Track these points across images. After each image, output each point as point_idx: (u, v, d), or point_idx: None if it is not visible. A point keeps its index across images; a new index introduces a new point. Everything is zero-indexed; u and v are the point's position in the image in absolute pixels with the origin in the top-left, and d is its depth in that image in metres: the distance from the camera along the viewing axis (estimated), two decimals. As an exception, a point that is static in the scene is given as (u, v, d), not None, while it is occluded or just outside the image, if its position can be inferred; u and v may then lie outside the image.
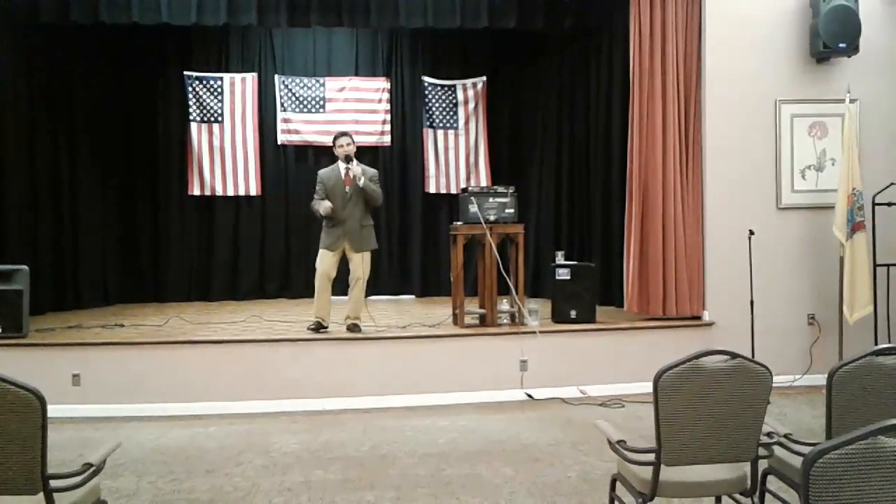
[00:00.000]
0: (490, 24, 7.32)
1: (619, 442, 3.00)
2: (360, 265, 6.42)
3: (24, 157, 7.78)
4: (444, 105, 9.92)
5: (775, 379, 2.88)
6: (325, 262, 6.42)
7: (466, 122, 9.96)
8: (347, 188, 6.41)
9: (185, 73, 9.47)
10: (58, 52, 8.19)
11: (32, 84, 7.90)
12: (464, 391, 6.19)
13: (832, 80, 6.67)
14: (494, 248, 6.45)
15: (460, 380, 6.21)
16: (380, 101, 9.85)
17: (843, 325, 6.35)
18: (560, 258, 6.95)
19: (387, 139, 9.88)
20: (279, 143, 9.76)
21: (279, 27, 9.16)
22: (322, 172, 6.64)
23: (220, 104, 9.55)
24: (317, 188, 6.53)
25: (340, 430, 5.45)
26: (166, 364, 6.02)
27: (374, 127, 9.80)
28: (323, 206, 6.32)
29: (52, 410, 2.71)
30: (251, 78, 9.62)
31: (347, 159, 6.43)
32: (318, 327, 6.39)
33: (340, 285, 6.65)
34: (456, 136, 9.96)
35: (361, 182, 6.32)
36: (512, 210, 6.57)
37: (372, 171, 6.60)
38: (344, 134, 6.59)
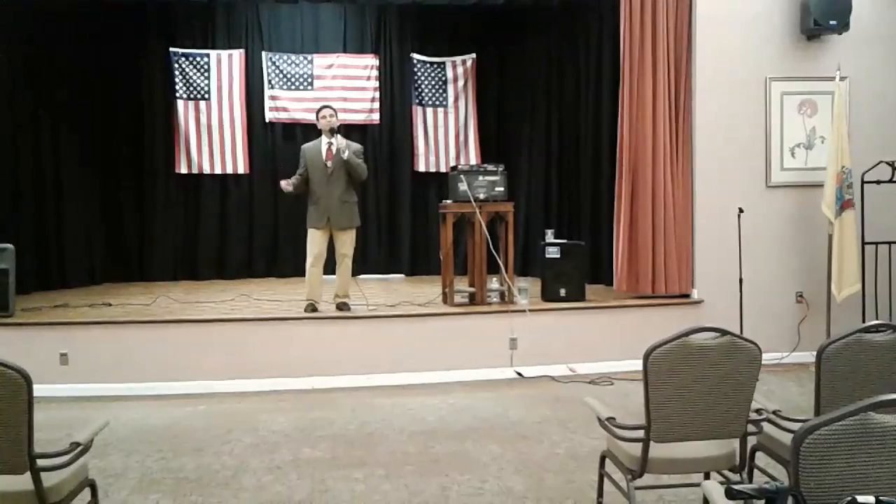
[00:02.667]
0: (478, 0, 7.25)
1: (608, 419, 3.01)
2: (345, 243, 6.39)
3: (6, 136, 7.66)
4: (433, 82, 9.84)
5: (763, 356, 2.88)
6: (314, 242, 6.38)
7: (456, 100, 9.88)
8: (329, 163, 6.35)
9: (171, 49, 9.32)
10: (40, 30, 8.03)
11: (14, 62, 7.75)
12: (453, 370, 6.19)
13: (822, 57, 6.65)
14: (484, 226, 6.43)
15: (449, 358, 6.21)
16: (368, 78, 9.75)
17: (831, 302, 6.40)
18: (550, 236, 6.94)
19: (375, 117, 9.78)
20: (267, 120, 9.64)
21: (265, 2, 9.06)
22: (305, 146, 6.60)
23: (206, 81, 9.42)
24: (300, 162, 6.51)
25: (329, 408, 5.44)
26: (154, 343, 5.99)
27: (362, 104, 9.70)
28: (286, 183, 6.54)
29: (39, 390, 2.69)
30: (238, 54, 9.49)
31: (331, 132, 6.36)
32: (313, 309, 6.36)
33: (331, 264, 6.62)
34: (445, 113, 9.88)
35: (346, 155, 6.26)
36: (502, 188, 6.54)
37: (356, 146, 6.53)
38: (326, 106, 6.56)
